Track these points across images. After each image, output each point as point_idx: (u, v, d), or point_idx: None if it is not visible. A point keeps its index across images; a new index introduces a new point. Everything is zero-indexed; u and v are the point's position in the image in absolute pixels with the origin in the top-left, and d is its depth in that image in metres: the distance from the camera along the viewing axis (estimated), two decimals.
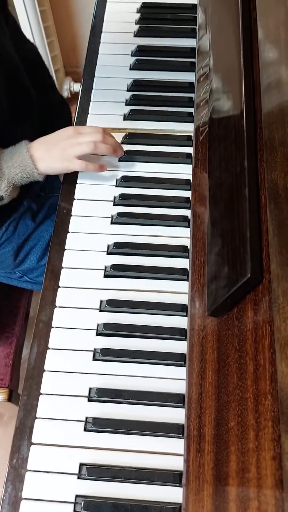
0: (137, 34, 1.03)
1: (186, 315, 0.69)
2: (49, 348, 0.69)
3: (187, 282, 0.71)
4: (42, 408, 0.65)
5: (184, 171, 0.84)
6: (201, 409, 0.55)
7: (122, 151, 0.85)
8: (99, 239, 0.78)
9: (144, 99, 0.93)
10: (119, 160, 0.86)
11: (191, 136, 0.86)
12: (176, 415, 0.63)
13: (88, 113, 0.93)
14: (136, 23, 1.05)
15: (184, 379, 0.64)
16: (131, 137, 0.88)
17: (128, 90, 0.95)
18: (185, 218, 0.78)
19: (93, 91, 0.95)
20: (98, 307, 0.72)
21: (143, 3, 1.07)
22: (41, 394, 0.66)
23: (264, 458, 0.42)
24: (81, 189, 0.84)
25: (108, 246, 0.77)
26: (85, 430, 0.64)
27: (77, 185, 0.84)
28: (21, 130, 0.89)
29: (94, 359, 0.68)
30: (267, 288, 0.50)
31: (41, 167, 0.80)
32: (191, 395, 0.58)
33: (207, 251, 0.64)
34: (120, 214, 0.79)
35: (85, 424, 0.64)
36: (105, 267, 0.75)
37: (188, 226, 0.77)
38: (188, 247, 0.74)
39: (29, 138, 0.83)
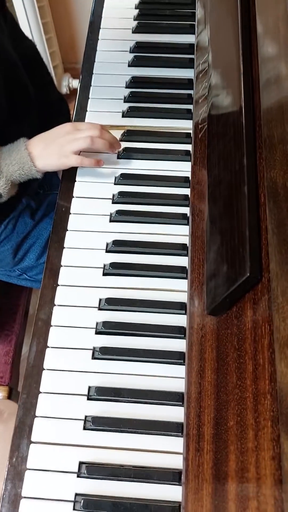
0: (136, 31, 1.02)
1: (185, 313, 0.69)
2: (48, 347, 0.69)
3: (186, 280, 0.71)
4: (41, 407, 0.65)
5: (183, 168, 0.83)
6: (200, 408, 0.55)
7: (120, 146, 0.84)
8: (98, 237, 0.78)
9: (143, 96, 0.93)
10: (118, 158, 0.86)
11: (190, 133, 0.86)
12: (175, 413, 0.63)
13: (87, 110, 0.92)
14: (134, 19, 1.04)
15: (183, 378, 0.64)
16: (129, 134, 0.88)
17: (126, 87, 0.94)
18: (184, 216, 0.78)
19: (91, 88, 0.95)
20: (97, 305, 0.72)
21: None
22: (41, 392, 0.66)
23: (264, 458, 0.42)
24: (79, 187, 0.83)
25: (107, 244, 0.77)
26: (85, 428, 0.64)
27: (75, 183, 0.84)
28: (20, 127, 0.88)
29: (93, 357, 0.68)
30: (266, 287, 0.50)
31: (39, 164, 0.80)
32: (190, 394, 0.58)
33: (206, 250, 0.64)
34: (119, 212, 0.79)
35: (85, 423, 0.64)
36: (104, 265, 0.75)
37: (187, 224, 0.77)
38: (187, 245, 0.74)
39: (27, 135, 0.82)
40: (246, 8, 0.75)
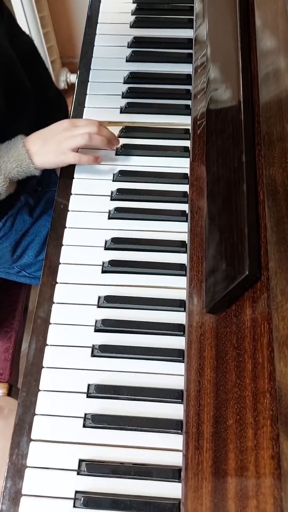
0: (134, 25, 1.01)
1: (184, 311, 0.69)
2: (48, 345, 0.69)
3: (185, 278, 0.71)
4: (41, 405, 0.65)
5: (182, 164, 0.83)
6: (199, 406, 0.55)
7: (118, 142, 0.84)
8: (97, 235, 0.78)
9: (141, 91, 0.92)
10: (116, 154, 0.85)
11: (189, 129, 0.86)
12: (175, 411, 0.63)
13: (85, 107, 0.92)
14: (132, 14, 1.03)
15: (182, 375, 0.64)
16: (128, 130, 0.87)
17: (124, 83, 0.94)
18: (183, 213, 0.78)
19: (89, 83, 0.94)
20: (96, 303, 0.72)
21: None
22: (40, 390, 0.66)
23: (263, 456, 0.42)
24: (78, 184, 0.83)
25: (106, 242, 0.77)
26: (84, 426, 0.64)
27: (74, 179, 0.83)
28: (18, 124, 0.88)
29: (93, 355, 0.68)
30: (265, 285, 0.49)
31: (37, 161, 0.79)
32: (189, 392, 0.58)
33: (205, 247, 0.64)
34: (117, 209, 0.79)
35: (84, 421, 0.64)
36: (103, 262, 0.75)
37: (186, 221, 0.77)
38: (186, 242, 0.74)
39: (25, 132, 0.82)
40: (244, 1, 0.75)
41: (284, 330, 0.42)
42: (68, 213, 0.80)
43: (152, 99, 0.91)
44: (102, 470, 0.61)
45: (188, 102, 0.89)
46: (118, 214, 0.79)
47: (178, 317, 0.70)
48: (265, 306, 0.48)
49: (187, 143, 0.85)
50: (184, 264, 0.73)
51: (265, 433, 0.43)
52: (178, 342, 0.68)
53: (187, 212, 0.77)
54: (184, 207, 0.78)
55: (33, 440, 0.63)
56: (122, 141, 0.86)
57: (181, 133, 0.86)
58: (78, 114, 0.91)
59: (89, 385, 0.66)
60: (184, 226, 0.77)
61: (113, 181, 0.83)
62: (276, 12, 0.62)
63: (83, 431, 0.63)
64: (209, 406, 0.53)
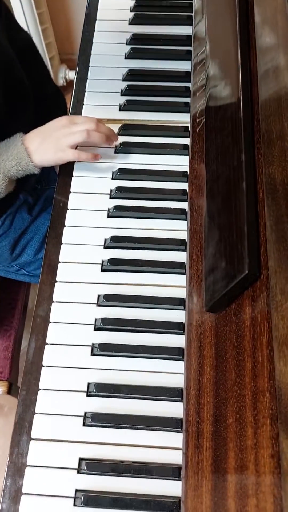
0: (132, 22, 1.01)
1: (184, 309, 0.69)
2: (47, 344, 0.69)
3: (185, 276, 0.71)
4: (41, 404, 0.65)
5: (181, 162, 0.83)
6: (199, 405, 0.55)
7: (117, 138, 0.84)
8: (96, 233, 0.78)
9: (140, 89, 0.92)
10: (115, 152, 0.85)
11: (188, 127, 0.85)
12: (174, 409, 0.63)
13: (83, 104, 0.91)
14: (131, 11, 1.03)
15: (182, 373, 0.65)
16: (127, 128, 0.87)
17: (123, 80, 0.93)
18: (182, 211, 0.78)
19: (87, 81, 0.94)
20: (95, 301, 0.72)
21: None
22: (40, 389, 0.66)
23: (263, 455, 0.42)
24: (77, 182, 0.83)
25: (105, 240, 0.77)
26: (84, 425, 0.64)
27: (73, 178, 0.83)
28: (17, 123, 0.88)
29: (92, 354, 0.68)
30: (265, 284, 0.49)
31: (36, 159, 0.79)
32: (189, 391, 0.58)
33: (204, 246, 0.64)
34: (116, 208, 0.79)
35: (84, 419, 0.64)
36: (102, 261, 0.75)
37: (186, 219, 0.76)
38: (186, 240, 0.74)
39: (24, 130, 0.82)
40: None
41: (283, 330, 0.42)
42: (68, 211, 0.80)
43: (151, 97, 0.91)
44: (102, 468, 0.61)
45: (188, 100, 0.89)
46: (117, 212, 0.79)
47: (178, 315, 0.70)
48: (264, 305, 0.48)
49: (186, 141, 0.84)
50: (184, 263, 0.73)
51: (265, 432, 0.43)
52: (178, 340, 0.68)
53: (186, 210, 0.77)
54: (184, 205, 0.78)
55: (33, 439, 0.63)
56: (121, 139, 0.85)
57: (180, 131, 0.86)
58: (77, 111, 0.91)
59: (89, 383, 0.66)
60: (183, 224, 0.76)
61: (112, 179, 0.83)
62: (276, 9, 0.62)
63: (83, 429, 0.63)
64: (209, 404, 0.53)
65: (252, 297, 0.51)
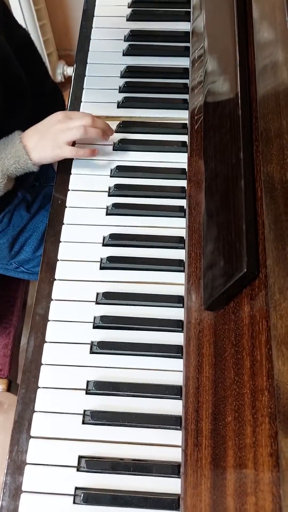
0: (130, 18, 1.00)
1: (183, 307, 0.69)
2: (46, 342, 0.69)
3: (184, 273, 0.71)
4: (40, 402, 0.65)
5: (180, 160, 0.82)
6: (198, 403, 0.55)
7: (112, 132, 0.83)
8: (95, 231, 0.77)
9: (138, 86, 0.91)
10: (113, 149, 0.85)
11: (186, 123, 0.85)
12: (174, 407, 0.64)
13: (81, 101, 0.91)
14: (128, 7, 1.02)
15: (181, 371, 0.65)
16: (125, 125, 0.87)
17: (121, 77, 0.93)
18: (181, 208, 0.77)
19: (85, 78, 0.94)
20: (94, 299, 0.72)
21: None
22: (39, 387, 0.66)
23: (262, 454, 0.42)
24: (75, 180, 0.82)
25: (104, 238, 0.77)
26: (84, 423, 0.64)
27: (71, 175, 0.83)
28: (15, 120, 0.87)
29: (91, 352, 0.68)
30: (263, 282, 0.49)
31: (35, 157, 0.79)
32: (188, 389, 0.58)
33: (203, 244, 0.64)
34: (115, 205, 0.78)
35: (83, 417, 0.64)
36: (101, 259, 0.75)
37: (184, 217, 0.76)
38: (184, 238, 0.74)
39: (22, 128, 0.81)
40: None
41: (282, 329, 0.42)
42: (66, 209, 0.80)
43: (149, 93, 0.91)
44: (101, 466, 0.61)
45: (186, 96, 0.89)
46: (115, 210, 0.78)
47: (177, 313, 0.69)
48: (263, 303, 0.48)
49: (184, 138, 0.84)
50: (183, 260, 0.73)
51: (264, 431, 0.43)
52: (176, 338, 0.68)
53: (185, 207, 0.77)
54: (182, 202, 0.78)
55: (33, 437, 0.63)
56: (120, 136, 0.85)
57: (178, 128, 0.86)
58: (75, 108, 0.90)
59: (88, 381, 0.66)
60: (182, 222, 0.76)
61: (111, 176, 0.82)
62: (274, 4, 0.61)
63: (82, 427, 0.63)
64: (208, 403, 0.53)
65: (250, 295, 0.51)
